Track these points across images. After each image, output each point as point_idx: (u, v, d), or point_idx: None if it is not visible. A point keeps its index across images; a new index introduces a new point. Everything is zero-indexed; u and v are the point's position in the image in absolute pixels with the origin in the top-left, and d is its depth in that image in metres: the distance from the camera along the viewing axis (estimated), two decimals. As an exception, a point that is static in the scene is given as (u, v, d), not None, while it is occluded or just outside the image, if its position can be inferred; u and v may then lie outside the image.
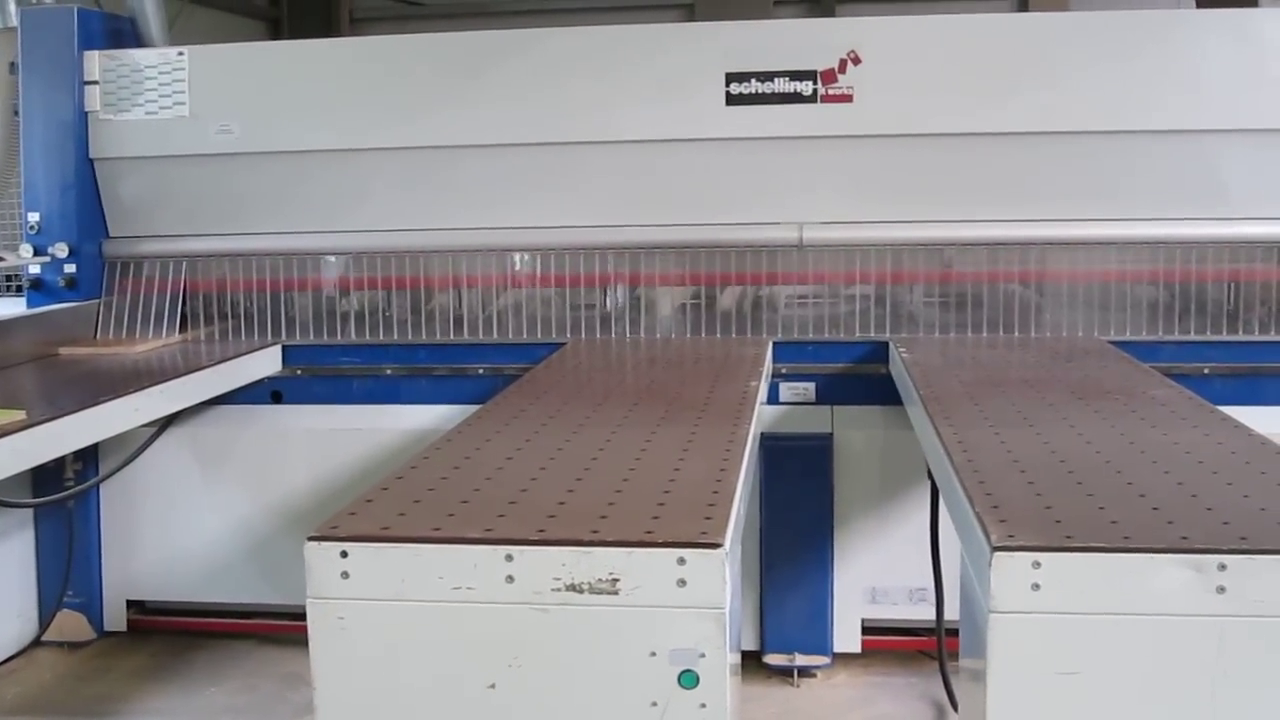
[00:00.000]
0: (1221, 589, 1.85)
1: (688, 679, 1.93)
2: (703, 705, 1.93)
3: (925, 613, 3.99)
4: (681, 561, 1.91)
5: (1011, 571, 1.87)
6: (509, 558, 1.95)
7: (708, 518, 2.06)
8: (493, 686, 1.97)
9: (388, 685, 2.00)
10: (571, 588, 1.94)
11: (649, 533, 1.98)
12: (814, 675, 4.15)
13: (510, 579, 1.95)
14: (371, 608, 2.00)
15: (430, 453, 2.59)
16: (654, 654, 1.92)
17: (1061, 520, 2.01)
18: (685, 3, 12.39)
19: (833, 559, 4.15)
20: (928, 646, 4.12)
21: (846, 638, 4.18)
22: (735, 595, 2.05)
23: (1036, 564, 1.87)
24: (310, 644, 2.03)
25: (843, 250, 4.26)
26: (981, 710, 1.94)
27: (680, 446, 2.60)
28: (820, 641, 4.14)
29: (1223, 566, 1.84)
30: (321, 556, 2.02)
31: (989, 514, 2.03)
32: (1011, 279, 4.23)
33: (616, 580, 1.93)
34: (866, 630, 4.21)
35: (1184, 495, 2.17)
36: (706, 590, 1.92)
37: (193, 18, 10.07)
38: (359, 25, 12.79)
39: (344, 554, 2.01)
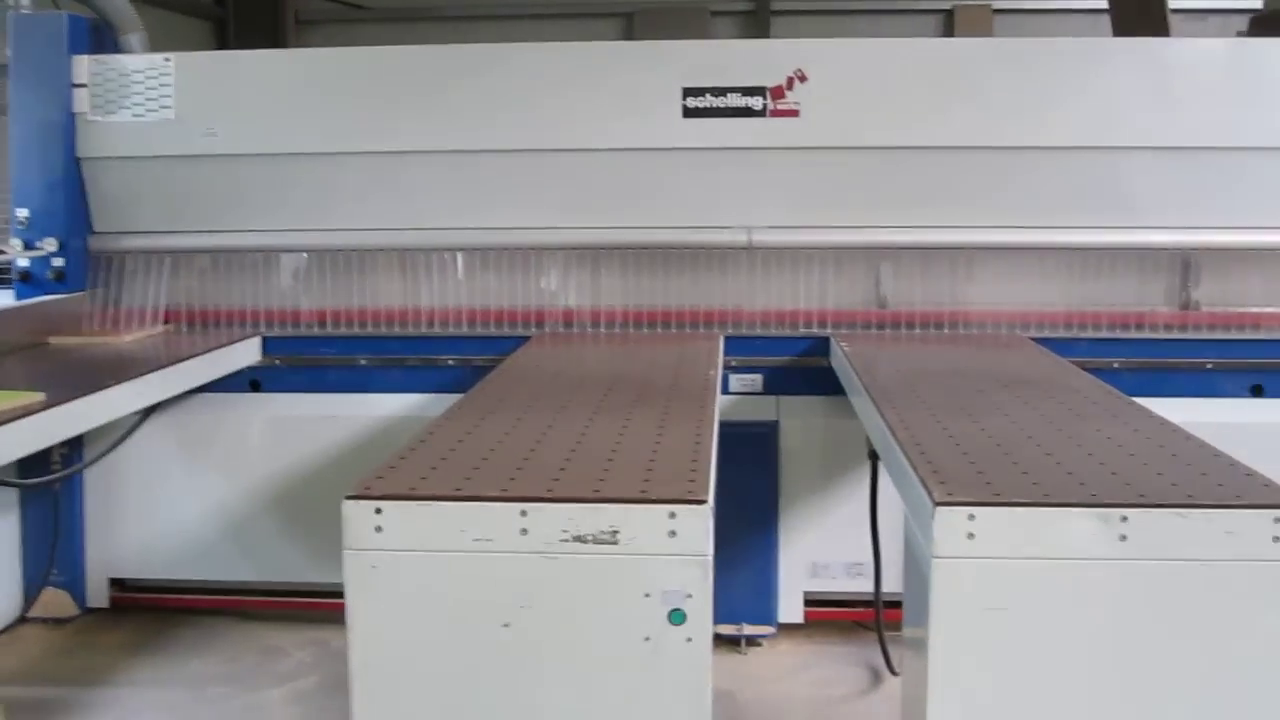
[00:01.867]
0: (1123, 537, 2.22)
1: (677, 617, 2.26)
2: (689, 639, 2.26)
3: (862, 585, 4.33)
4: (672, 515, 2.25)
5: (950, 523, 2.23)
6: (523, 513, 2.27)
7: (691, 480, 2.39)
8: (507, 625, 2.29)
9: (415, 625, 2.31)
10: (577, 539, 2.26)
11: (643, 491, 2.31)
12: (760, 644, 4.48)
13: (524, 531, 2.27)
14: (401, 557, 2.30)
15: (434, 429, 2.90)
16: (648, 595, 2.25)
17: (991, 482, 2.38)
18: (624, 11, 12.77)
19: (778, 536, 4.48)
20: (865, 617, 4.45)
21: (790, 609, 4.52)
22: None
23: (971, 516, 2.22)
24: (345, 589, 2.32)
25: (788, 252, 4.60)
26: (925, 641, 2.29)
27: (656, 424, 2.93)
28: (766, 612, 4.48)
29: (1124, 518, 2.21)
30: (358, 513, 2.31)
31: (930, 477, 2.39)
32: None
33: (616, 532, 2.26)
34: (808, 602, 4.54)
35: (1094, 464, 2.55)
36: (694, 540, 2.25)
37: (139, 16, 10.22)
38: (304, 27, 13.00)
39: (378, 510, 2.30)
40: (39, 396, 3.35)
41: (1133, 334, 4.54)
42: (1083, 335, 4.54)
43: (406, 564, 2.30)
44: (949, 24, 12.76)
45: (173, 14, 11.17)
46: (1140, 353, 4.50)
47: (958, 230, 4.56)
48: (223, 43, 12.53)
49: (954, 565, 2.23)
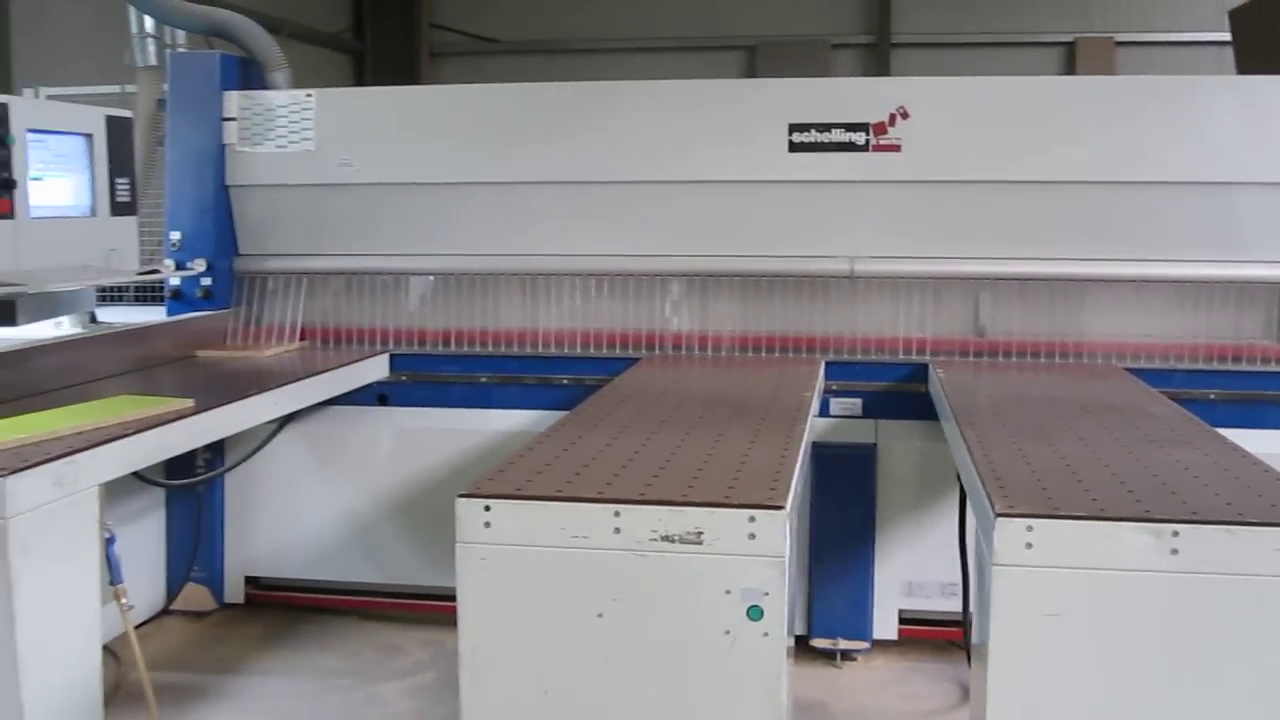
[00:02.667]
0: (1175, 551, 2.37)
1: (754, 612, 2.47)
2: (765, 634, 2.47)
3: (956, 605, 4.45)
4: (752, 519, 2.46)
5: (1010, 533, 2.40)
6: (617, 514, 2.51)
7: (773, 488, 2.60)
8: (600, 615, 2.52)
9: (517, 612, 2.56)
10: (665, 538, 2.49)
11: (727, 497, 2.53)
12: (855, 659, 4.64)
13: (617, 530, 2.50)
14: (507, 551, 2.55)
15: (542, 439, 3.15)
16: (728, 592, 2.47)
17: (1052, 496, 2.55)
18: (746, 44, 13.02)
19: (874, 555, 4.64)
20: (957, 636, 4.59)
21: (885, 625, 4.67)
22: (793, 551, 2.58)
23: (1030, 527, 2.40)
24: (457, 579, 2.58)
25: (889, 281, 4.77)
26: (986, 644, 2.46)
27: (748, 439, 3.14)
28: (861, 628, 4.64)
29: (1175, 533, 2.37)
30: (469, 510, 2.56)
31: (995, 490, 2.57)
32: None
33: (701, 533, 2.48)
34: (903, 620, 4.69)
35: (1156, 483, 2.69)
36: (771, 542, 2.46)
37: (284, 51, 10.82)
38: (437, 59, 13.48)
39: (487, 508, 2.56)
40: (189, 403, 3.68)
41: (1229, 366, 4.61)
42: (1179, 367, 4.61)
43: (511, 557, 2.55)
44: (1070, 56, 12.76)
45: (315, 48, 11.75)
46: (1236, 385, 4.57)
47: (1056, 263, 4.67)
48: (360, 75, 13.12)
49: (1012, 573, 2.40)
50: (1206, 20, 11.12)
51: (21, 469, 2.90)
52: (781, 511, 2.46)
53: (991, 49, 12.54)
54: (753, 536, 2.46)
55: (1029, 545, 2.40)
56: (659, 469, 2.80)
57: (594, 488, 2.61)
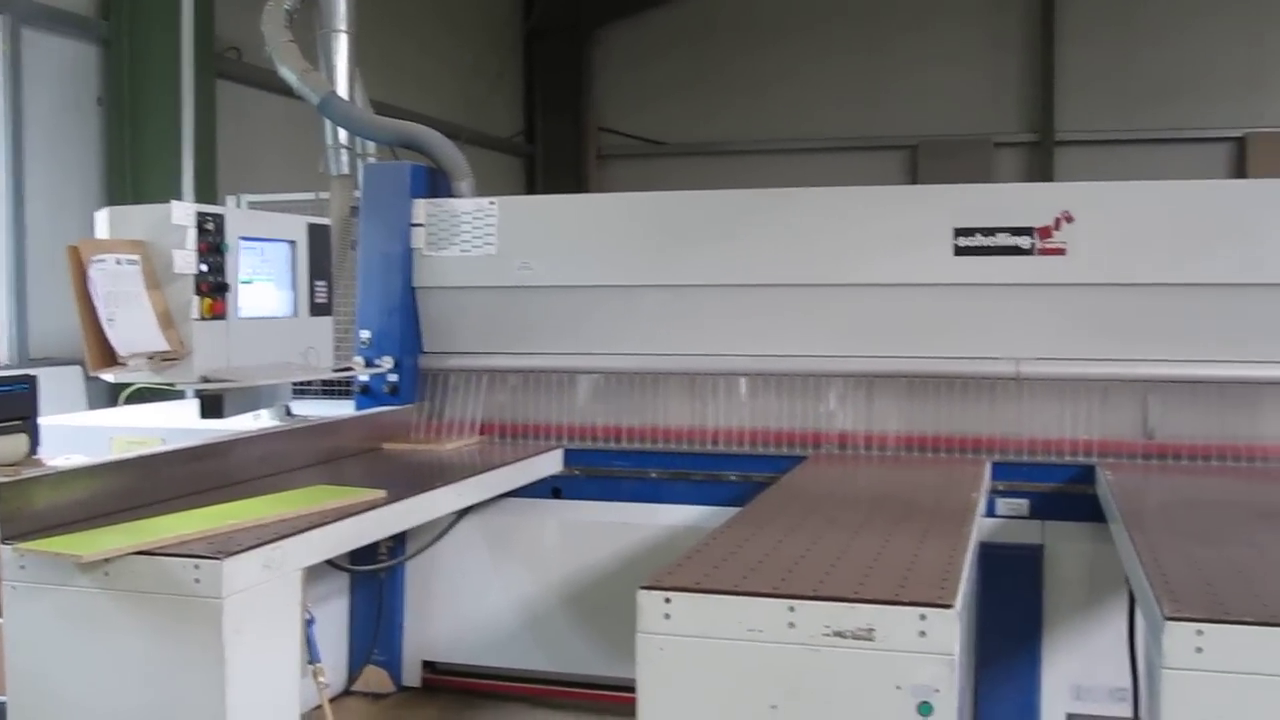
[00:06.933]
0: (1350, 659, 2.38)
1: (925, 709, 2.55)
2: (935, 730, 2.55)
3: (1126, 710, 4.42)
4: (923, 617, 2.55)
5: (1179, 637, 2.44)
6: (791, 609, 2.62)
7: (943, 586, 2.69)
8: (774, 707, 2.62)
9: (694, 700, 2.68)
10: (838, 634, 2.59)
11: (897, 595, 2.63)
12: (1021, 762, 4.63)
13: (791, 625, 2.62)
14: (685, 642, 2.68)
15: (715, 536, 3.28)
16: (899, 688, 2.55)
17: (1223, 601, 2.58)
18: (908, 144, 13.15)
19: (1041, 657, 4.62)
20: (1127, 743, 4.55)
21: (1052, 729, 4.65)
22: (963, 650, 2.66)
23: (1199, 631, 2.43)
24: (637, 666, 2.72)
25: (1054, 383, 4.80)
26: (1157, 751, 2.50)
27: (917, 539, 3.23)
28: (1028, 731, 4.63)
29: (1350, 641, 2.38)
30: (650, 601, 2.71)
31: (1164, 594, 2.61)
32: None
33: (872, 629, 2.57)
34: (1071, 725, 4.67)
35: (1331, 591, 2.70)
36: (942, 640, 2.55)
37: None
38: (604, 161, 13.91)
39: (667, 600, 2.69)
40: (381, 493, 3.91)
41: None
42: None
43: (689, 647, 2.68)
44: (1241, 152, 12.55)
45: (489, 152, 12.28)
46: None
47: (1228, 365, 4.64)
48: (531, 176, 13.62)
49: (1183, 677, 2.44)
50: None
51: (236, 553, 3.13)
52: (951, 610, 2.55)
53: (1158, 145, 12.43)
54: (923, 634, 2.55)
55: (1199, 650, 2.43)
56: (830, 566, 2.91)
57: (769, 583, 2.74)
